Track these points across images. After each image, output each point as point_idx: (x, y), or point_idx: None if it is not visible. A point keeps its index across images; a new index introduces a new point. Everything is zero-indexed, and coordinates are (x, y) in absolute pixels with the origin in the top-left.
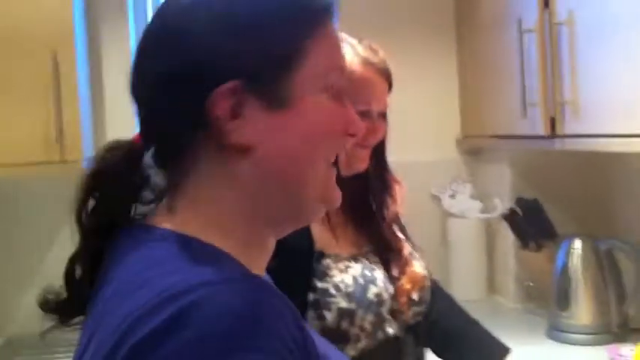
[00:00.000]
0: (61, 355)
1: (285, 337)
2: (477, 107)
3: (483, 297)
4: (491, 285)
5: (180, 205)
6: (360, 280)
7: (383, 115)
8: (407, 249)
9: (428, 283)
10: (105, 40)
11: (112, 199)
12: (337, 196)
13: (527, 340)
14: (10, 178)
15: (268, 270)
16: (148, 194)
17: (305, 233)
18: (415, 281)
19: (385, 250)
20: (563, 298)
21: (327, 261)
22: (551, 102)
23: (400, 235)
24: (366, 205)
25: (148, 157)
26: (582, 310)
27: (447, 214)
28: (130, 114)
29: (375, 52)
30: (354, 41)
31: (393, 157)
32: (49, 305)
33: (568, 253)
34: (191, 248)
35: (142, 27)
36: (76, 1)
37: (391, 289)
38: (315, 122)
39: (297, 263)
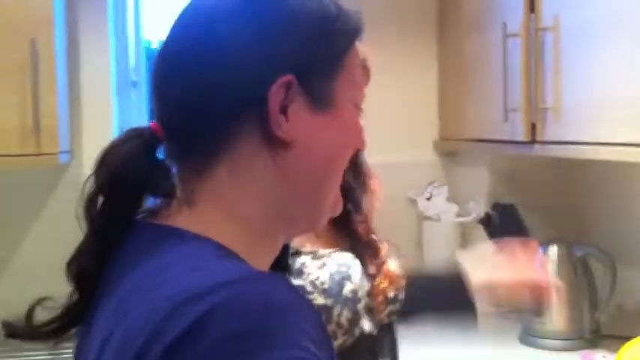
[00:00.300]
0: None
1: (310, 332)
2: (456, 110)
3: None
4: None
5: (200, 199)
6: (336, 277)
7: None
8: (384, 247)
9: (403, 282)
10: (83, 30)
11: (128, 192)
12: (340, 206)
13: (501, 345)
14: None
15: None
16: (163, 187)
17: None
18: (391, 280)
19: (362, 248)
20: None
21: (304, 258)
22: (533, 108)
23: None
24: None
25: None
26: (556, 316)
27: (423, 217)
28: (107, 106)
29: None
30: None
31: (370, 157)
32: (29, 330)
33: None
34: (209, 247)
35: (122, 17)
36: None
37: (367, 286)
38: (348, 127)
39: (273, 262)
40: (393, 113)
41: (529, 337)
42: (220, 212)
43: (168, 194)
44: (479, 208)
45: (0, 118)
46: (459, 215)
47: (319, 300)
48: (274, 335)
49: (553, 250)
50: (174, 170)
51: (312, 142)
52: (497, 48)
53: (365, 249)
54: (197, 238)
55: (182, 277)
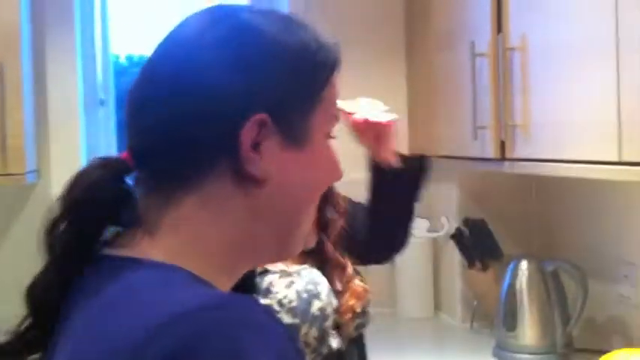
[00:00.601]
0: None
1: (286, 353)
2: (426, 127)
3: (430, 315)
4: (438, 303)
5: (163, 231)
6: (304, 295)
7: None
8: (349, 264)
9: (369, 297)
10: (50, 48)
11: (91, 220)
12: (313, 238)
13: (473, 359)
14: None
15: None
16: (128, 217)
17: None
18: (359, 296)
19: (330, 266)
20: (509, 318)
21: (271, 277)
22: (502, 125)
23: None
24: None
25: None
26: (528, 331)
27: None
28: (74, 127)
29: None
30: None
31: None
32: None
33: (514, 274)
34: (178, 273)
35: (89, 37)
36: (23, 9)
37: (335, 302)
38: (321, 163)
39: (239, 281)
40: None
41: (502, 352)
42: (182, 244)
43: (132, 224)
44: (450, 223)
45: None
46: (430, 231)
47: (286, 319)
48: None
49: (524, 264)
50: (141, 199)
51: (286, 180)
52: (465, 67)
53: (332, 267)
54: (163, 265)
55: (158, 302)
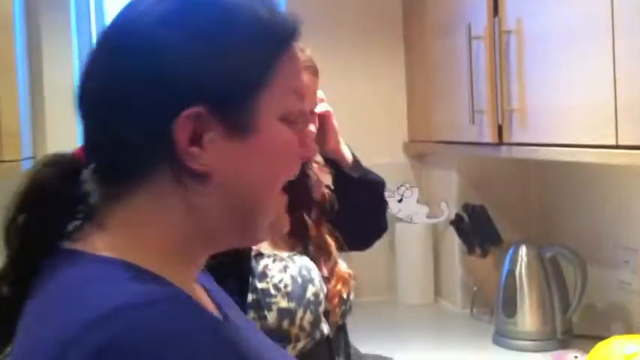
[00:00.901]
0: None
1: (208, 355)
2: (424, 112)
3: (430, 302)
4: (438, 290)
5: (113, 224)
6: (299, 280)
7: (314, 112)
8: (334, 250)
9: (353, 282)
10: (46, 35)
11: (46, 216)
12: (285, 224)
13: (473, 346)
14: None
15: (208, 268)
16: (82, 211)
17: None
18: (344, 282)
19: (316, 251)
20: (508, 305)
21: (266, 260)
22: (499, 110)
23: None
24: (295, 207)
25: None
26: (527, 317)
27: (394, 219)
28: (70, 112)
29: (301, 51)
30: None
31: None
32: None
33: (513, 260)
34: (116, 267)
35: (85, 23)
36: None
37: (325, 289)
38: (274, 149)
39: (235, 264)
40: (363, 116)
41: (501, 339)
42: (130, 238)
43: (87, 218)
44: (449, 209)
45: None
46: (430, 216)
47: (282, 303)
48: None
49: (522, 250)
50: (96, 194)
51: (234, 171)
52: (462, 51)
53: (318, 251)
54: (103, 259)
55: (87, 299)
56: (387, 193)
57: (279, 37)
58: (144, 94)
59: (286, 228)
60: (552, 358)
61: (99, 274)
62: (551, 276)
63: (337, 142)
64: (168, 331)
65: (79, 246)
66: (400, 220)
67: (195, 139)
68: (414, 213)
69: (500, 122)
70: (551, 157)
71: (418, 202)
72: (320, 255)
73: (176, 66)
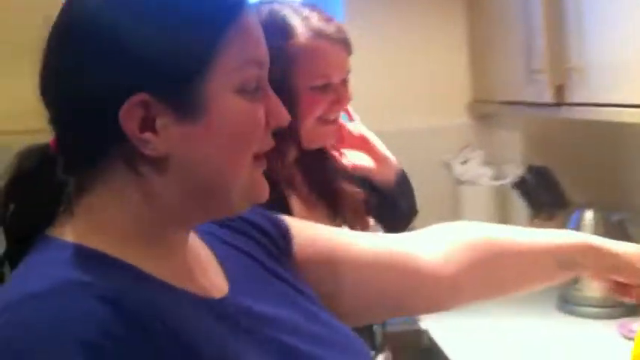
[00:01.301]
0: None
1: (84, 348)
2: (486, 71)
3: None
4: None
5: (79, 212)
6: None
7: (345, 83)
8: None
9: None
10: None
11: (29, 206)
12: (263, 191)
13: (537, 313)
14: None
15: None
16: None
17: (283, 208)
18: None
19: (354, 224)
20: None
21: None
22: (557, 68)
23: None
24: (332, 181)
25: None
26: (593, 283)
27: (458, 182)
28: None
29: (328, 21)
30: (307, 12)
31: (404, 123)
32: None
33: (579, 224)
34: (63, 253)
35: None
36: None
37: None
38: (230, 126)
39: None
40: (425, 76)
41: (566, 305)
42: (93, 224)
43: (65, 205)
44: (514, 171)
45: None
46: (494, 179)
47: None
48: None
49: (588, 215)
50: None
51: (190, 153)
52: (518, 5)
53: (357, 224)
54: (63, 245)
55: (7, 287)
56: (449, 156)
57: (219, 16)
58: (88, 83)
59: (265, 196)
60: (618, 325)
61: (48, 258)
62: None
63: (383, 164)
64: (44, 323)
65: (53, 232)
66: (464, 182)
67: (147, 125)
68: (478, 175)
69: (559, 81)
70: (614, 118)
71: (482, 164)
72: (356, 223)
73: (117, 53)
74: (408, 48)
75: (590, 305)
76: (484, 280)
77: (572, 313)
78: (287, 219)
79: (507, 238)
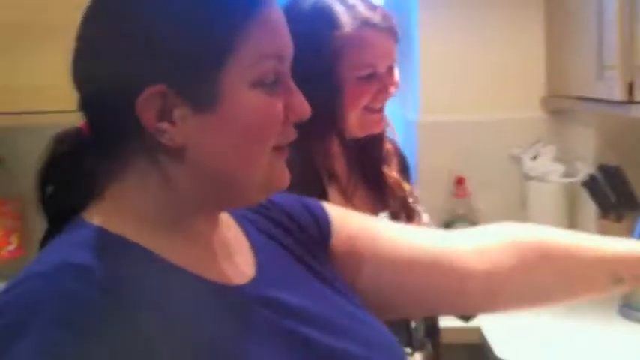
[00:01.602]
0: None
1: (70, 324)
2: (561, 66)
3: None
4: None
5: (107, 197)
6: None
7: (391, 70)
8: (422, 218)
9: None
10: None
11: (66, 189)
12: (284, 180)
13: (597, 316)
14: None
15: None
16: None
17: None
18: None
19: (402, 216)
20: None
21: None
22: (628, 64)
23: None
24: (378, 169)
25: None
26: None
27: (527, 177)
28: None
29: (374, 9)
30: (352, 1)
31: (477, 114)
32: None
33: None
34: (83, 234)
35: None
36: None
37: None
38: (245, 119)
39: None
40: (499, 68)
41: (628, 310)
42: (116, 207)
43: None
44: (585, 169)
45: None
46: (564, 176)
47: None
48: (28, 328)
49: None
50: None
51: (207, 143)
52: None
53: (401, 210)
54: (87, 226)
55: (33, 262)
56: (519, 150)
57: (241, 5)
58: (109, 71)
59: (284, 185)
60: None
61: (69, 239)
62: None
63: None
64: (43, 297)
65: (85, 215)
66: (533, 178)
67: (165, 116)
68: (548, 172)
69: (630, 78)
70: None
71: (554, 160)
72: (402, 214)
73: (136, 44)
74: (483, 38)
75: None
76: (525, 284)
77: (634, 318)
78: (330, 210)
79: (561, 242)
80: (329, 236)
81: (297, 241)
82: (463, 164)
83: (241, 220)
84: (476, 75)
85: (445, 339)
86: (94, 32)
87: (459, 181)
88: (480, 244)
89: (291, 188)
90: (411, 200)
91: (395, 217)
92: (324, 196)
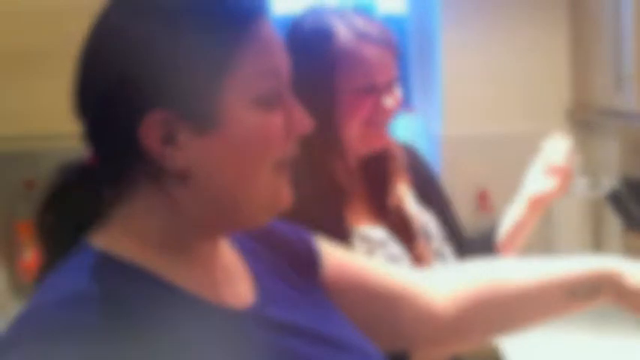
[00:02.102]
0: None
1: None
2: (586, 78)
3: None
4: None
5: (112, 221)
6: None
7: (390, 86)
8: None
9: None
10: None
11: (66, 219)
12: (286, 198)
13: (619, 331)
14: None
15: None
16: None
17: (338, 218)
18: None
19: (403, 232)
20: None
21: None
22: None
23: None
24: (386, 183)
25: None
26: None
27: None
28: None
29: (371, 23)
30: (351, 15)
31: (501, 127)
32: None
33: None
34: (85, 259)
35: None
36: None
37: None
38: (245, 137)
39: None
40: (524, 81)
41: None
42: (121, 232)
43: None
44: (610, 182)
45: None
46: (589, 189)
47: None
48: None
49: None
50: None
51: (210, 165)
52: (609, 8)
53: (398, 229)
54: (90, 250)
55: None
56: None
57: (234, 25)
58: (110, 100)
59: (287, 204)
60: None
61: (75, 264)
62: None
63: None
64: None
65: (91, 238)
66: None
67: (168, 140)
68: (572, 184)
69: None
70: None
71: (578, 173)
72: (399, 232)
73: (134, 72)
74: (506, 49)
75: None
76: (486, 318)
77: None
78: (320, 241)
79: (511, 275)
80: (318, 267)
81: (293, 267)
82: (487, 178)
83: (241, 247)
84: (499, 88)
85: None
86: (93, 62)
87: (483, 196)
88: (445, 284)
89: (303, 201)
90: (413, 223)
91: (399, 235)
92: (340, 217)
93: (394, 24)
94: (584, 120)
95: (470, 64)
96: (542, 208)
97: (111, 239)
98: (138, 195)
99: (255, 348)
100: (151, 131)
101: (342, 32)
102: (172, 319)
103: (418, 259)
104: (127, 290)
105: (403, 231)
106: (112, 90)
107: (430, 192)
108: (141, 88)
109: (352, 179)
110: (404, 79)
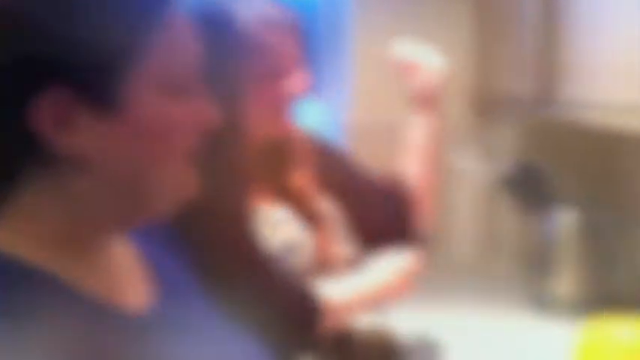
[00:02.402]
0: None
1: None
2: (485, 63)
3: (479, 260)
4: (490, 248)
5: (9, 215)
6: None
7: (296, 71)
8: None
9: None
10: None
11: None
12: (190, 187)
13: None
14: None
15: None
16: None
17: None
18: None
19: (306, 215)
20: (546, 268)
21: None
22: (546, 63)
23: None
24: (287, 166)
25: None
26: (563, 282)
27: (450, 174)
28: None
29: (275, 8)
30: (254, 1)
31: (407, 114)
32: None
33: (561, 224)
34: None
35: None
36: None
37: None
38: (149, 125)
39: None
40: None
41: (537, 302)
42: (19, 226)
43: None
44: (506, 167)
45: None
46: (486, 174)
47: None
48: None
49: (573, 215)
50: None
51: (109, 151)
52: None
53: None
54: None
55: None
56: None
57: (146, 12)
58: (2, 78)
59: (192, 192)
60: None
61: None
62: (599, 244)
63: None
64: None
65: None
66: (456, 175)
67: (64, 124)
68: (471, 170)
69: (546, 78)
70: (600, 118)
71: (476, 158)
72: (302, 214)
73: (30, 48)
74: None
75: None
76: None
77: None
78: None
79: None
80: None
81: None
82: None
83: (136, 241)
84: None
85: None
86: None
87: None
88: None
89: (206, 189)
90: (320, 208)
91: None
92: (241, 195)
93: (303, 8)
94: (483, 106)
95: (380, 51)
96: (433, 106)
97: (4, 236)
98: (33, 186)
99: (148, 350)
100: (43, 113)
101: (242, 16)
102: (62, 320)
103: (322, 242)
104: (18, 291)
105: (306, 213)
106: (6, 66)
107: (339, 178)
108: (32, 62)
109: (254, 164)
110: (313, 65)
